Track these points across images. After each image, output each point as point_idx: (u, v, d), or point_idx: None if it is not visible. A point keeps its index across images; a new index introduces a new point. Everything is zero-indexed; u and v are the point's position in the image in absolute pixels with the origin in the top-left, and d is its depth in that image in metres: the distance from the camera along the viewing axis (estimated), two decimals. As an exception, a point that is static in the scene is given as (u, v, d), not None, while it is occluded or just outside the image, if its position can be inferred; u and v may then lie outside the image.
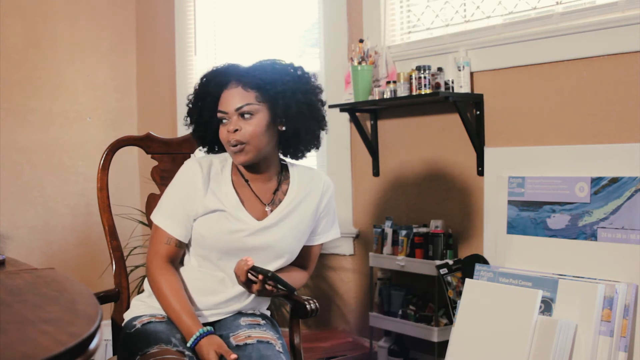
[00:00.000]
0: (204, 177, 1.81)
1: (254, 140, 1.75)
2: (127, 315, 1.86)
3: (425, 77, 2.80)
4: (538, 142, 2.66)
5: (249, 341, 1.69)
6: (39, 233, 3.52)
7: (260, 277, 1.64)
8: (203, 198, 1.79)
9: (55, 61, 3.57)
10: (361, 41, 3.10)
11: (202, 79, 1.85)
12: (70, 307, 1.22)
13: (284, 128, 1.80)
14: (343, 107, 3.15)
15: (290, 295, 1.67)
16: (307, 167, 1.98)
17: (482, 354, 2.41)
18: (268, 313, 1.95)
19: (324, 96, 1.90)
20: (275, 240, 1.81)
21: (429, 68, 2.81)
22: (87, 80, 3.67)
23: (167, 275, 1.77)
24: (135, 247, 3.38)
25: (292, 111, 1.77)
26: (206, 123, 1.83)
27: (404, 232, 2.97)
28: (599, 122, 2.49)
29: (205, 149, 1.92)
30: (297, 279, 1.88)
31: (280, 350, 1.70)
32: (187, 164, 1.86)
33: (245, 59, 1.92)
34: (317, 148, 1.92)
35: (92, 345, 0.98)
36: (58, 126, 3.58)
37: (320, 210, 1.91)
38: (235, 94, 1.76)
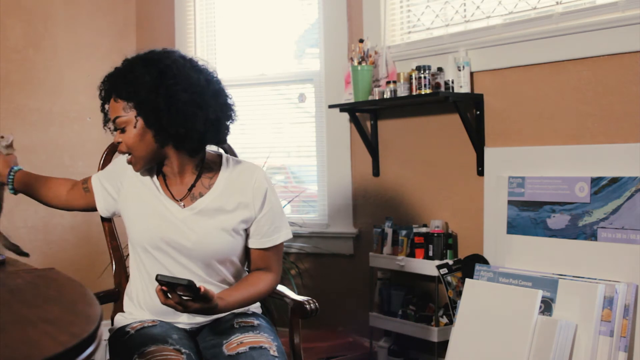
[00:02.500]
0: (129, 173, 1.84)
1: (134, 151, 1.74)
2: (114, 328, 1.84)
3: (425, 77, 2.80)
4: (538, 142, 2.66)
5: (241, 349, 1.65)
6: (39, 233, 3.51)
7: (164, 288, 1.54)
8: (123, 195, 1.85)
9: (55, 61, 3.57)
10: (361, 41, 3.10)
11: (99, 87, 1.81)
12: (70, 307, 1.22)
13: (167, 128, 1.71)
14: (343, 107, 3.15)
15: (192, 285, 1.52)
16: (242, 161, 1.87)
17: (482, 354, 2.41)
18: (259, 310, 1.92)
19: (213, 81, 1.76)
20: (201, 244, 1.74)
21: (429, 68, 2.81)
22: (87, 80, 3.66)
23: (61, 180, 2.00)
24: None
25: (161, 110, 1.68)
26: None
27: (404, 232, 2.97)
28: (599, 122, 2.49)
29: None
30: (259, 282, 1.80)
31: (276, 354, 1.66)
32: (121, 159, 1.89)
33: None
34: (204, 144, 1.78)
35: (92, 346, 0.98)
36: (58, 126, 3.58)
37: (252, 209, 1.78)
38: (111, 107, 1.75)
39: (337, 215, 3.40)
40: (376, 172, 3.26)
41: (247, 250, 1.85)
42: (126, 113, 1.71)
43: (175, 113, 1.68)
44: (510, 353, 2.31)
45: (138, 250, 1.82)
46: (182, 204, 1.79)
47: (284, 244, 1.88)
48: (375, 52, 3.09)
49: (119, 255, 2.08)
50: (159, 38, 3.89)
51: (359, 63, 3.05)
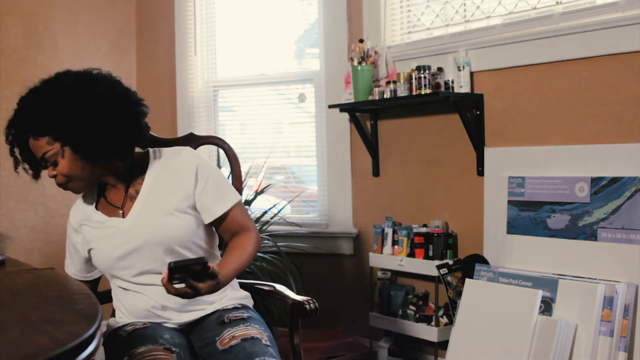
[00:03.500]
0: (76, 229, 1.86)
1: (72, 177, 1.75)
2: (108, 331, 1.85)
3: (425, 77, 2.80)
4: (538, 142, 2.66)
5: (233, 342, 1.66)
6: (39, 233, 3.51)
7: (177, 275, 1.52)
8: (82, 245, 1.85)
9: (55, 61, 3.57)
10: (361, 41, 3.09)
11: (6, 133, 1.78)
12: (70, 307, 1.22)
13: (92, 145, 1.73)
14: (343, 107, 3.15)
15: (206, 263, 1.52)
16: (171, 148, 1.88)
17: (482, 354, 2.41)
18: (250, 304, 1.92)
19: (105, 85, 1.74)
20: (146, 232, 1.75)
21: (429, 68, 2.81)
22: (87, 80, 3.66)
23: None
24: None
25: (83, 131, 1.68)
26: (33, 164, 1.80)
27: (404, 232, 2.96)
28: (599, 122, 2.49)
29: None
30: (243, 245, 1.80)
31: (268, 343, 1.68)
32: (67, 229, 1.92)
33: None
34: (131, 146, 1.78)
35: (92, 345, 0.98)
36: (58, 126, 3.58)
37: (188, 185, 1.79)
38: (34, 146, 1.73)
39: (337, 215, 3.40)
40: (376, 172, 3.26)
41: (209, 232, 1.86)
42: (51, 146, 1.71)
43: (94, 129, 1.69)
44: (510, 353, 2.31)
45: (109, 277, 1.86)
46: (122, 211, 1.81)
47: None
48: (375, 52, 3.09)
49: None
50: (159, 38, 3.89)
51: (359, 63, 3.05)
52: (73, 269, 1.93)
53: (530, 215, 2.55)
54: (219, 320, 1.77)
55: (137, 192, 1.81)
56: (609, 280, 2.28)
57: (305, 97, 3.55)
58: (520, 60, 2.69)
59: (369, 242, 3.23)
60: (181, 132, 3.61)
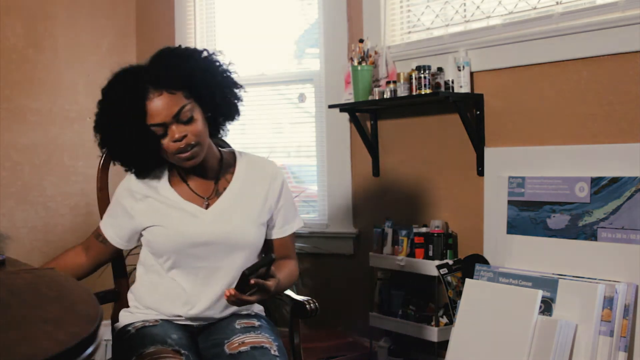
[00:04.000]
0: (137, 198, 1.81)
1: (201, 139, 1.72)
2: (118, 326, 1.85)
3: (425, 77, 2.80)
4: (538, 142, 2.66)
5: (242, 349, 1.66)
6: (39, 233, 3.51)
7: (253, 281, 1.54)
8: (143, 216, 1.80)
9: (55, 61, 3.57)
10: (361, 41, 3.09)
11: (109, 101, 1.70)
12: (70, 307, 1.22)
13: (209, 113, 1.78)
14: (343, 107, 3.15)
15: (272, 262, 1.57)
16: (257, 156, 1.93)
17: (482, 354, 2.41)
18: (263, 312, 1.93)
19: (223, 60, 1.84)
20: (227, 232, 1.76)
21: (429, 68, 2.81)
22: (87, 80, 3.66)
23: (68, 251, 1.90)
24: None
25: (214, 92, 1.75)
26: (142, 144, 1.69)
27: (404, 232, 2.96)
28: (599, 122, 2.49)
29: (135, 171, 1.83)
30: (289, 269, 1.86)
31: (276, 353, 1.67)
32: (118, 189, 1.86)
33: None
34: (238, 116, 1.86)
35: (92, 346, 0.98)
36: (58, 126, 3.57)
37: (272, 198, 1.84)
38: (164, 101, 1.66)
39: (337, 215, 3.40)
40: (376, 172, 3.26)
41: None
42: (188, 100, 1.70)
43: (221, 89, 1.77)
44: (510, 353, 2.31)
45: (164, 259, 1.81)
46: (207, 203, 1.80)
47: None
48: (375, 52, 3.09)
49: (119, 255, 2.07)
50: (159, 38, 3.89)
51: (359, 63, 3.05)
52: (113, 233, 1.87)
53: (530, 215, 2.55)
54: (231, 325, 1.77)
55: (224, 189, 1.82)
56: (609, 280, 2.28)
57: (305, 97, 3.55)
58: (520, 60, 2.69)
59: (369, 242, 3.23)
60: (181, 132, 3.61)
